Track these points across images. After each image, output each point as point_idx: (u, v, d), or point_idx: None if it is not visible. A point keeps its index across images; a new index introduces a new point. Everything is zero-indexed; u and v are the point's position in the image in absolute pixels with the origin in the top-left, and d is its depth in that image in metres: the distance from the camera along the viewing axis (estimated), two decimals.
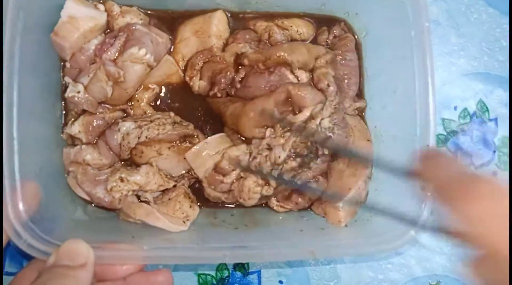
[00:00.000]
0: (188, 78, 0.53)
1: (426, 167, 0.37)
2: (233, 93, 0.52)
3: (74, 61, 0.47)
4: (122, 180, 0.47)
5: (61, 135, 0.49)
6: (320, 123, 0.49)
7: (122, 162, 0.50)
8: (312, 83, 0.51)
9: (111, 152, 0.49)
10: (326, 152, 0.50)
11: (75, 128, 0.47)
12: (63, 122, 0.50)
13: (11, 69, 0.39)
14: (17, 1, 0.39)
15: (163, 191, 0.50)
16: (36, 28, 0.44)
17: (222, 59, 0.51)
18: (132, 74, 0.48)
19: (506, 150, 0.60)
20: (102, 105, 0.49)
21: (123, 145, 0.47)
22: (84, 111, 0.48)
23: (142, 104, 0.51)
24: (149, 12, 0.52)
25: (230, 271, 0.55)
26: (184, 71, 0.53)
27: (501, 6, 0.60)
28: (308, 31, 0.54)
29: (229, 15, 0.54)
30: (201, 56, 0.51)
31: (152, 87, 0.52)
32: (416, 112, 0.44)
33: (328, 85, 0.50)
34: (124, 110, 0.51)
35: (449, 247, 0.56)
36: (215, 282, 0.55)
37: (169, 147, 0.49)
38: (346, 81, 0.54)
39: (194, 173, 0.49)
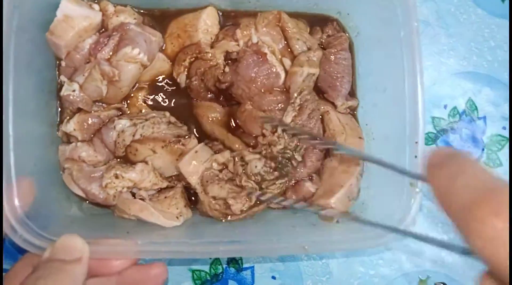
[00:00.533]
0: (175, 74, 0.53)
1: (434, 177, 0.28)
2: (223, 87, 0.52)
3: (69, 60, 0.48)
4: (117, 177, 0.47)
5: (57, 132, 0.50)
6: (284, 131, 0.50)
7: (117, 160, 0.51)
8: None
9: (106, 149, 0.49)
10: (300, 158, 0.51)
11: (70, 126, 0.48)
12: (58, 120, 0.50)
13: (7, 67, 0.39)
14: (12, 2, 0.40)
15: (159, 190, 0.50)
16: (31, 27, 0.44)
17: (212, 56, 0.52)
18: (126, 73, 0.48)
19: (495, 148, 0.61)
20: (97, 103, 0.50)
21: (118, 142, 0.48)
22: (79, 110, 0.49)
23: (138, 103, 0.51)
24: (142, 11, 0.53)
25: (224, 267, 0.56)
26: (173, 66, 0.53)
27: (490, 7, 0.61)
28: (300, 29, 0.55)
29: (220, 13, 0.54)
30: (189, 51, 0.52)
31: (147, 86, 0.52)
32: (406, 110, 0.45)
33: (289, 86, 0.50)
34: (119, 109, 0.51)
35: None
36: (209, 278, 0.56)
37: (163, 146, 0.49)
38: (339, 79, 0.54)
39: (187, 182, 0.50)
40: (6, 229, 0.38)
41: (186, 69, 0.52)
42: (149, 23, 0.52)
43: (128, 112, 0.52)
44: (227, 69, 0.52)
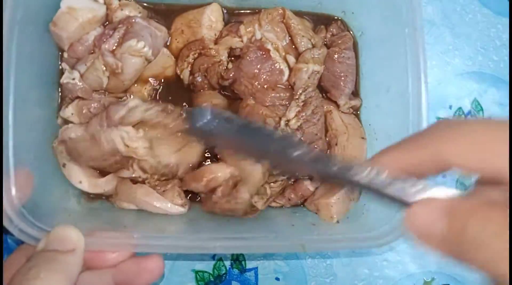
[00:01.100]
0: (178, 71, 0.53)
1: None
2: (226, 84, 0.52)
3: (72, 51, 0.48)
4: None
5: (56, 120, 0.50)
6: (287, 125, 0.49)
7: None
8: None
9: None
10: None
11: (68, 111, 0.47)
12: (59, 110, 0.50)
13: (9, 58, 0.39)
14: None
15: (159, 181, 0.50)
16: (36, 19, 0.44)
17: (216, 53, 0.51)
18: (130, 67, 0.48)
19: None
20: (97, 93, 0.49)
21: (125, 118, 0.45)
22: (78, 98, 0.48)
23: (140, 95, 0.51)
24: (145, 4, 0.53)
25: (227, 268, 0.55)
26: (176, 62, 0.53)
27: (496, 7, 0.61)
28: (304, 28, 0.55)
29: (225, 11, 0.54)
30: (192, 47, 0.51)
31: (151, 80, 0.52)
32: (409, 110, 0.45)
33: (294, 83, 0.50)
34: (121, 98, 0.51)
35: None
36: (212, 279, 0.55)
37: (168, 135, 0.48)
38: (342, 78, 0.54)
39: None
40: (3, 219, 0.38)
41: (189, 65, 0.52)
42: (154, 18, 0.52)
43: None
44: (230, 65, 0.52)
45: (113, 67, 0.47)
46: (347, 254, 0.56)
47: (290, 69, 0.51)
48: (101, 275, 0.39)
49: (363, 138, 0.54)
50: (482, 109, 0.60)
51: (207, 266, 0.55)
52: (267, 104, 0.51)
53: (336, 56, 0.54)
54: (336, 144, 0.53)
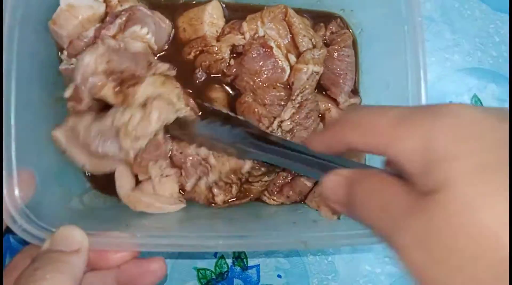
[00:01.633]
0: None
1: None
2: (228, 81, 0.52)
3: (72, 48, 0.47)
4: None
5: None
6: (279, 126, 0.49)
7: None
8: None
9: None
10: None
11: (70, 90, 0.46)
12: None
13: (10, 58, 0.39)
14: None
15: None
16: (36, 17, 0.44)
17: (218, 50, 0.52)
18: (132, 50, 0.47)
19: None
20: None
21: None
22: None
23: None
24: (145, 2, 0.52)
25: (229, 266, 0.55)
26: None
27: (494, 3, 0.61)
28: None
29: (224, 6, 0.54)
30: (194, 45, 0.51)
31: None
32: (408, 105, 0.45)
33: (293, 83, 0.50)
34: None
35: None
36: (214, 277, 0.55)
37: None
38: (342, 76, 0.54)
39: None
40: (6, 219, 0.38)
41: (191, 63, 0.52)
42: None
43: None
44: (232, 61, 0.52)
45: (116, 48, 0.45)
46: (348, 250, 0.57)
47: (291, 68, 0.51)
48: (104, 276, 0.40)
49: None
50: (482, 105, 0.61)
51: (209, 264, 0.55)
52: (266, 101, 0.51)
53: (335, 54, 0.54)
54: None
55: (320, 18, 0.56)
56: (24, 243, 0.41)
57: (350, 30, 0.56)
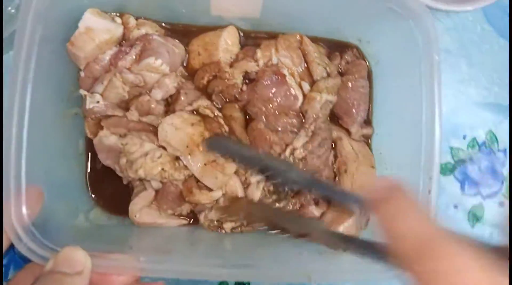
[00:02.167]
0: None
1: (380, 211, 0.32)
2: (240, 106, 0.52)
3: (88, 71, 0.48)
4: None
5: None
6: (292, 154, 0.49)
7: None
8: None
9: None
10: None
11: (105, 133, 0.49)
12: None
13: (26, 76, 0.40)
14: (37, 13, 0.41)
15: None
16: (54, 39, 0.45)
17: (230, 76, 0.52)
18: (149, 81, 0.49)
19: None
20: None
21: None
22: (107, 116, 0.49)
23: None
24: (163, 24, 0.53)
25: None
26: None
27: None
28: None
29: (241, 34, 0.54)
30: (208, 69, 0.52)
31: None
32: (422, 141, 0.44)
33: (306, 111, 0.50)
34: None
35: None
36: None
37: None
38: (355, 106, 0.54)
39: None
40: (12, 237, 0.38)
41: (203, 87, 0.52)
42: (172, 36, 0.52)
43: None
44: (244, 87, 0.52)
45: (136, 82, 0.48)
46: (352, 283, 0.55)
47: (304, 96, 0.51)
48: None
49: (372, 167, 0.54)
50: (497, 140, 0.59)
51: None
52: (278, 128, 0.51)
53: (350, 84, 0.53)
54: (345, 172, 0.53)
55: (336, 48, 0.56)
56: (27, 259, 0.41)
57: (366, 61, 0.55)
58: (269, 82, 0.50)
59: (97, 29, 0.46)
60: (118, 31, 0.49)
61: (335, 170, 0.54)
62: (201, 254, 0.45)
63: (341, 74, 0.55)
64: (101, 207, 0.52)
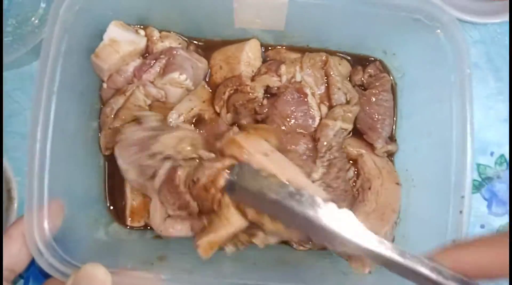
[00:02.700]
0: (217, 107, 0.52)
1: None
2: (258, 119, 0.51)
3: (111, 82, 0.48)
4: None
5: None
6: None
7: None
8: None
9: None
10: None
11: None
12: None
13: (51, 88, 0.40)
14: (63, 23, 0.41)
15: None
16: (79, 50, 0.45)
17: (252, 89, 0.51)
18: (172, 96, 0.49)
19: None
20: None
21: None
22: None
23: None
24: (185, 39, 0.53)
25: None
26: (213, 98, 0.53)
27: None
28: (344, 69, 0.54)
29: (263, 48, 0.54)
30: (229, 84, 0.51)
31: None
32: (452, 158, 0.43)
33: (319, 139, 0.49)
34: None
35: None
36: None
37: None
38: (379, 121, 0.52)
39: None
40: (33, 252, 0.38)
41: (224, 103, 0.52)
42: (195, 50, 0.52)
43: None
44: (265, 101, 0.51)
45: (158, 96, 0.48)
46: None
47: (321, 119, 0.50)
48: None
49: (397, 183, 0.52)
50: None
51: None
52: (292, 147, 0.49)
53: (373, 98, 0.52)
54: (369, 189, 0.51)
55: (359, 61, 0.55)
56: (47, 274, 0.40)
57: (391, 75, 0.54)
58: (290, 99, 0.49)
59: (121, 41, 0.46)
60: (142, 43, 0.48)
61: (358, 188, 0.53)
62: (220, 273, 0.44)
63: (364, 88, 0.54)
64: (119, 221, 0.51)
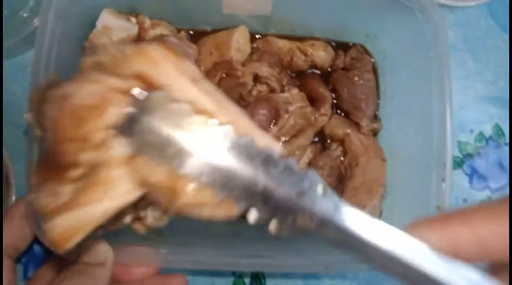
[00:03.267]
0: None
1: None
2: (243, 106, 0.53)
3: None
4: None
5: None
6: None
7: None
8: None
9: None
10: None
11: None
12: None
13: (47, 75, 0.41)
14: (57, 10, 0.42)
15: None
16: (71, 37, 0.46)
17: (242, 74, 0.53)
18: None
19: None
20: None
21: None
22: None
23: None
24: (176, 25, 0.54)
25: None
26: None
27: None
28: (327, 55, 0.56)
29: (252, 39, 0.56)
30: (220, 68, 0.53)
31: None
32: (433, 133, 0.45)
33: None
34: None
35: None
36: None
37: None
38: (364, 100, 0.55)
39: None
40: (34, 229, 0.39)
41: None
42: (186, 36, 0.54)
43: None
44: (254, 92, 0.53)
45: None
46: (366, 275, 0.56)
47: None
48: None
49: (383, 159, 0.54)
50: (503, 134, 0.60)
51: (226, 282, 0.54)
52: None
53: (356, 78, 0.55)
54: (356, 165, 0.54)
55: (344, 46, 0.57)
56: (49, 253, 0.41)
57: (373, 57, 0.57)
58: (260, 111, 0.51)
59: (114, 28, 0.47)
60: (134, 30, 0.50)
61: (346, 165, 0.55)
62: (218, 245, 0.46)
63: (346, 70, 0.56)
64: None
